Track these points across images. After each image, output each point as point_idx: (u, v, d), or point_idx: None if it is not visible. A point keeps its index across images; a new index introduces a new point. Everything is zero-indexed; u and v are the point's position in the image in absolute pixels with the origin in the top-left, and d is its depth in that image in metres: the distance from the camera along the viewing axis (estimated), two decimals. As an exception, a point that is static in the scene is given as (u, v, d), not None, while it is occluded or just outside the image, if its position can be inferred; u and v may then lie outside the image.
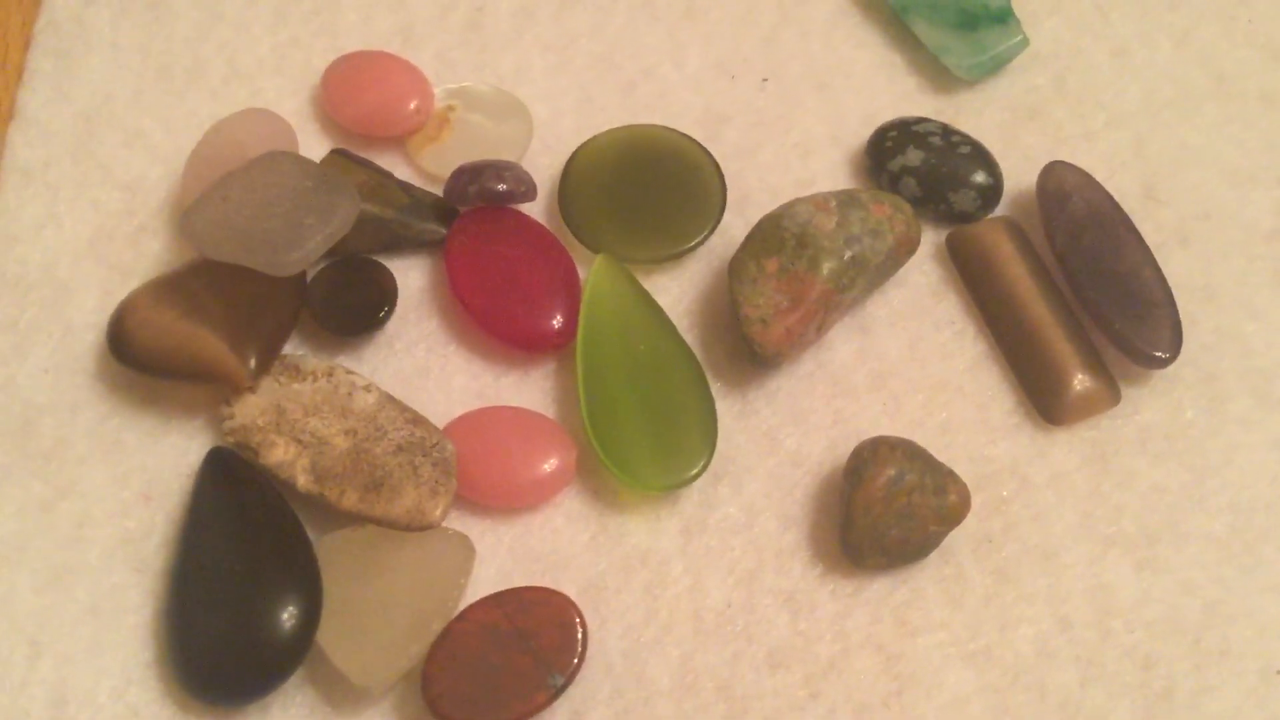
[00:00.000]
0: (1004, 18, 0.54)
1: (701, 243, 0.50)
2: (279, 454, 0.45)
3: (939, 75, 0.54)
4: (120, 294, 0.48)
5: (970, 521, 0.46)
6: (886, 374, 0.49)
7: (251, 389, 0.46)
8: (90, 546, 0.46)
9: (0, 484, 0.47)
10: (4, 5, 0.55)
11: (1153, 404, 0.49)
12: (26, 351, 0.49)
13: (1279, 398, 0.49)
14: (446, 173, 0.51)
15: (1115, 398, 0.49)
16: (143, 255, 0.51)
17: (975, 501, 0.46)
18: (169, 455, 0.47)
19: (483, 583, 0.45)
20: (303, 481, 0.45)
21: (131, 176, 0.52)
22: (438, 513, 0.45)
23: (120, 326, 0.47)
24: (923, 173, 0.51)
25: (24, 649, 0.45)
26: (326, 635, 0.43)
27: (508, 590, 0.44)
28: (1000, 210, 0.52)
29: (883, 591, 0.46)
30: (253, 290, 0.47)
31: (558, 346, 0.49)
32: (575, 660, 0.43)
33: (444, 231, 0.50)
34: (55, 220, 0.51)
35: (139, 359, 0.46)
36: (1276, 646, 0.46)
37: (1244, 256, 0.51)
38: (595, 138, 0.52)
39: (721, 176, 0.51)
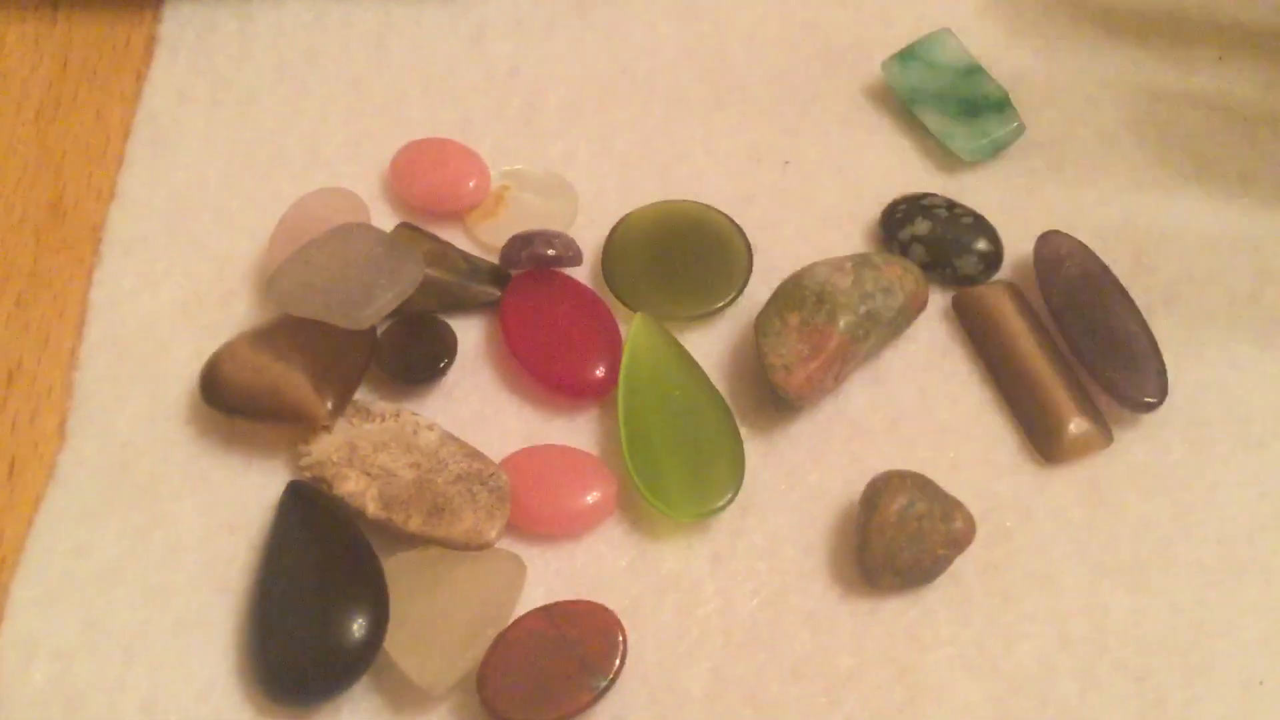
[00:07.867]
0: (1002, 107, 0.59)
1: (730, 303, 0.55)
2: (350, 485, 0.50)
3: (945, 158, 0.60)
4: (209, 350, 0.53)
5: (976, 549, 0.50)
6: (899, 419, 0.54)
7: (327, 428, 0.52)
8: (180, 570, 0.51)
9: (102, 515, 0.52)
10: (106, 101, 0.62)
11: (1142, 445, 0.53)
12: (125, 400, 0.54)
13: (1258, 439, 0.53)
14: (501, 244, 0.56)
15: (1108, 439, 0.53)
16: (230, 316, 0.56)
17: (981, 531, 0.50)
18: (251, 490, 0.52)
19: (532, 602, 0.49)
20: (372, 509, 0.50)
21: (221, 249, 0.57)
22: (493, 533, 0.49)
23: (215, 372, 0.52)
24: (930, 241, 0.56)
25: (119, 657, 0.49)
26: (393, 643, 0.48)
27: (555, 603, 0.49)
28: (1001, 275, 0.57)
29: (896, 611, 0.50)
30: (330, 342, 0.52)
31: (601, 393, 0.54)
32: (617, 663, 0.47)
33: (499, 293, 0.55)
34: (152, 286, 0.57)
35: (230, 401, 0.52)
36: (1257, 661, 0.49)
37: (1226, 315, 0.56)
38: (635, 211, 0.57)
39: (748, 244, 0.56)
